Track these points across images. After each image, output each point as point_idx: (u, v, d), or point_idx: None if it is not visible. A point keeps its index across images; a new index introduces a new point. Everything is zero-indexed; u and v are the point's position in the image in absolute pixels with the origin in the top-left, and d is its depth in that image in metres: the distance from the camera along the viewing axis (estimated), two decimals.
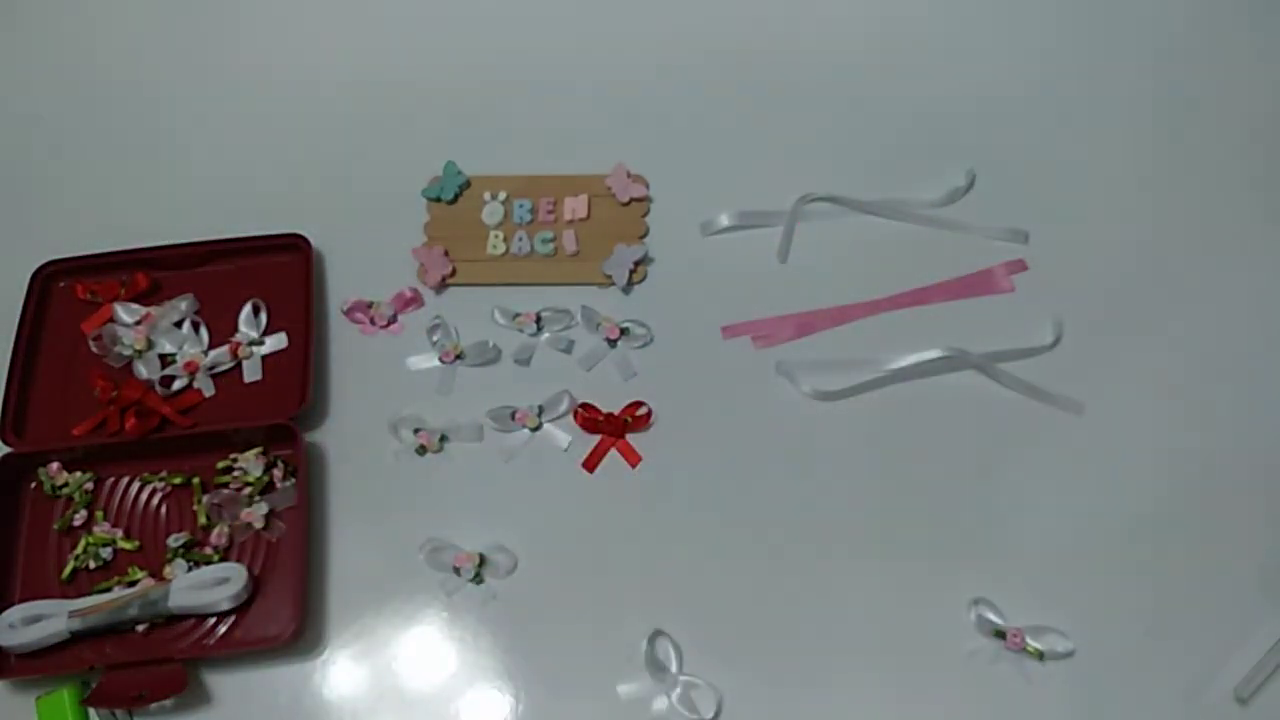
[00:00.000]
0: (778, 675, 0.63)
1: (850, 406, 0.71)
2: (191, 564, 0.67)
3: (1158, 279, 0.75)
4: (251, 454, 0.69)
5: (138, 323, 0.73)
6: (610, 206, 0.78)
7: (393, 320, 0.75)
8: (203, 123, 0.84)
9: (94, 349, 0.73)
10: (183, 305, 0.74)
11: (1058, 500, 0.68)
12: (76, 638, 0.63)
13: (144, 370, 0.72)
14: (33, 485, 0.69)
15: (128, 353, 0.72)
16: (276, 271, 0.75)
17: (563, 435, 0.71)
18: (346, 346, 0.74)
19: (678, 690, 0.62)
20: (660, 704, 0.62)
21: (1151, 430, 0.70)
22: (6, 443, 0.69)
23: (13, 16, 0.90)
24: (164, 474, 0.69)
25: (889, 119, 0.81)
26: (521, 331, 0.73)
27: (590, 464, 0.70)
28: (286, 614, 0.65)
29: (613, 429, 0.70)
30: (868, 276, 0.75)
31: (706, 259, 0.76)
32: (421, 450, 0.70)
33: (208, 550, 0.67)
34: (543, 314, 0.74)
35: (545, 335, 0.74)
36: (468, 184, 0.79)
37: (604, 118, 0.82)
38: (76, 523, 0.68)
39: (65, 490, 0.69)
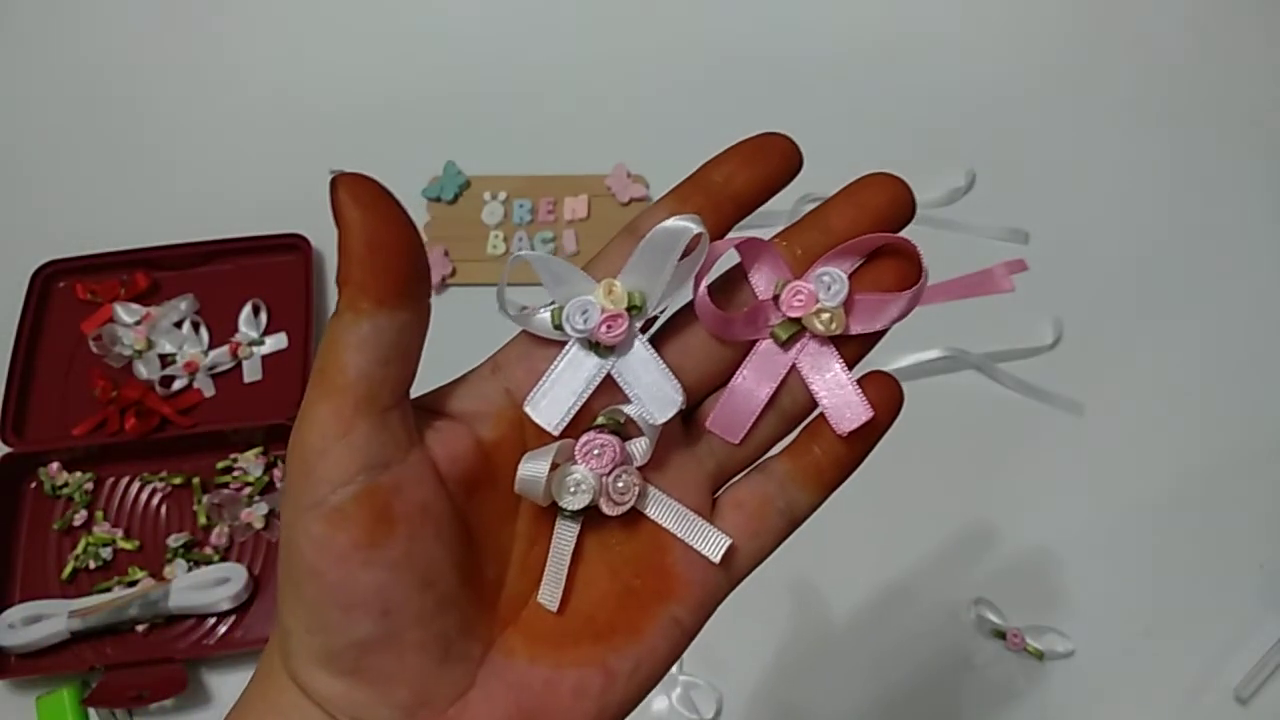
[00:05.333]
0: (778, 675, 0.63)
1: None
2: (191, 564, 0.66)
3: (1158, 279, 0.75)
4: (251, 454, 0.69)
5: (138, 323, 0.73)
6: (610, 206, 0.78)
7: None
8: (203, 123, 0.84)
9: (94, 349, 0.73)
10: (183, 305, 0.74)
11: (1058, 500, 0.68)
12: (76, 638, 0.63)
13: (144, 370, 0.72)
14: (33, 485, 0.69)
15: (128, 353, 0.72)
16: (276, 271, 0.75)
17: None
18: None
19: (678, 690, 0.62)
20: (660, 704, 0.62)
21: (1151, 430, 0.70)
22: (6, 443, 0.69)
23: (12, 16, 0.90)
24: (164, 474, 0.69)
25: (889, 119, 0.81)
26: None
27: None
28: None
29: None
30: None
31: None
32: None
33: (208, 550, 0.67)
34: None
35: None
36: (468, 184, 0.79)
37: (604, 118, 0.82)
38: (76, 523, 0.68)
39: (65, 490, 0.69)
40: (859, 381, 0.29)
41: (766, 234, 0.30)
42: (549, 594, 0.28)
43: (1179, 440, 0.69)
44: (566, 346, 0.28)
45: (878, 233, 0.29)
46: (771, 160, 0.29)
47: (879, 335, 0.30)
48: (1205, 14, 0.86)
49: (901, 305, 0.29)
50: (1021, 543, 0.66)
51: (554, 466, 0.27)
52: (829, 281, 0.28)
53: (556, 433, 0.28)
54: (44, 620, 0.63)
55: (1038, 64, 0.84)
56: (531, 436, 0.28)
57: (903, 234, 0.29)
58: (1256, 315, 0.74)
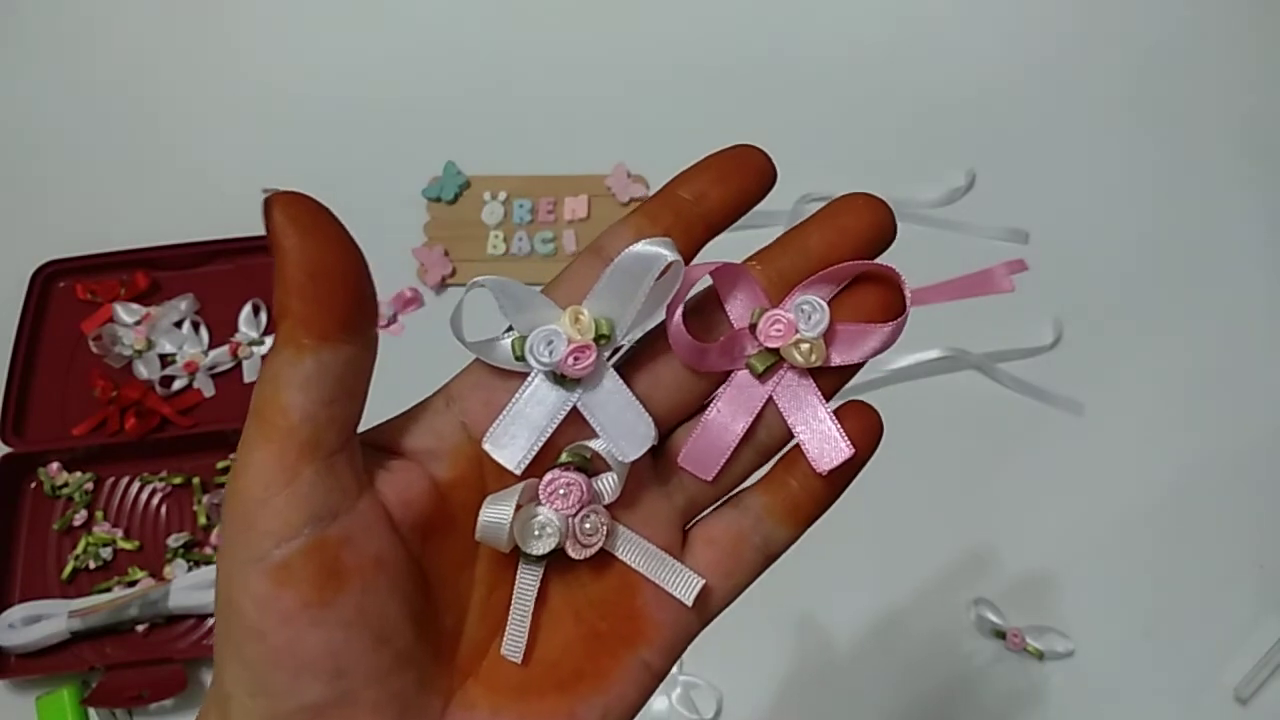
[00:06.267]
0: (778, 675, 0.63)
1: None
2: (191, 564, 0.67)
3: (1158, 279, 0.75)
4: None
5: (138, 323, 0.73)
6: (610, 206, 0.78)
7: (393, 320, 0.75)
8: (203, 123, 0.84)
9: (94, 349, 0.73)
10: (183, 305, 0.74)
11: (1058, 500, 0.68)
12: (76, 638, 0.63)
13: (144, 370, 0.72)
14: (33, 485, 0.69)
15: (128, 353, 0.72)
16: None
17: None
18: None
19: (678, 690, 0.62)
20: (660, 704, 0.62)
21: (1151, 430, 0.70)
22: (6, 443, 0.69)
23: (12, 16, 0.90)
24: (164, 474, 0.69)
25: (888, 119, 0.81)
26: None
27: None
28: None
29: None
30: None
31: (707, 259, 0.76)
32: None
33: (208, 550, 0.67)
34: None
35: None
36: (468, 184, 0.79)
37: (604, 118, 0.82)
38: (76, 523, 0.68)
39: (65, 490, 0.69)
40: (836, 412, 0.28)
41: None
42: (513, 646, 0.26)
43: (1179, 440, 0.69)
44: (529, 379, 0.26)
45: (858, 259, 0.27)
46: (745, 177, 0.27)
47: (858, 366, 0.28)
48: (1206, 14, 0.86)
49: (884, 336, 0.27)
50: (1021, 542, 0.66)
51: (516, 508, 0.25)
52: (809, 311, 0.27)
53: (519, 472, 0.26)
54: (44, 620, 0.63)
55: (1038, 64, 0.84)
56: (490, 475, 0.26)
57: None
58: (1256, 315, 0.73)
